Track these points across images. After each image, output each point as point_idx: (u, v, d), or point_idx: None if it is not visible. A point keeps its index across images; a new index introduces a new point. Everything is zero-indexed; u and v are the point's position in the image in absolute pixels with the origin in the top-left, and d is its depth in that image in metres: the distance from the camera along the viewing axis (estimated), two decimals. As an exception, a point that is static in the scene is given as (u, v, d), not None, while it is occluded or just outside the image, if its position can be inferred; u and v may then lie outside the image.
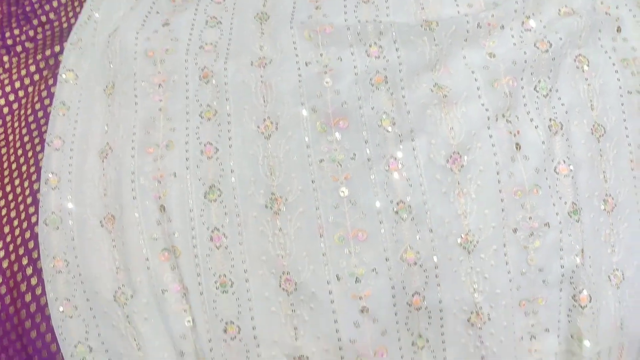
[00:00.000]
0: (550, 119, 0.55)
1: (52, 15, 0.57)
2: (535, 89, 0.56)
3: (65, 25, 0.57)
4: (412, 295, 0.50)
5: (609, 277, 0.56)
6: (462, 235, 0.51)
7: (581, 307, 0.54)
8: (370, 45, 0.55)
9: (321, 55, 0.54)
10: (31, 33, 0.56)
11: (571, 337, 0.55)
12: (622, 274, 0.56)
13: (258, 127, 0.52)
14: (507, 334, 0.53)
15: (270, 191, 0.50)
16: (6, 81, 0.54)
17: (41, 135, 0.53)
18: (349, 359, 0.49)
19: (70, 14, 0.57)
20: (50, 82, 0.54)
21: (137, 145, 0.52)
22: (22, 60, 0.55)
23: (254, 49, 0.55)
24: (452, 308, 0.51)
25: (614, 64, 0.57)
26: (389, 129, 0.52)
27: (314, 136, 0.52)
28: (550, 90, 0.56)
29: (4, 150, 0.52)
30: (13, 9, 0.56)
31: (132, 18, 0.57)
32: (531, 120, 0.54)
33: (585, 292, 0.54)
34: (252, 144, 0.52)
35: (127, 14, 0.57)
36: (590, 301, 0.54)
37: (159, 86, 0.55)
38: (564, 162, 0.55)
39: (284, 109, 0.52)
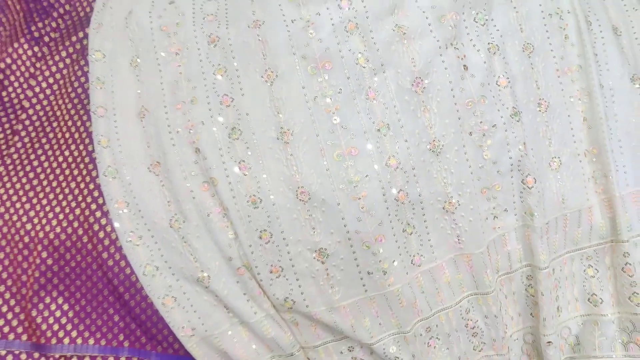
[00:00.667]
0: (488, 43, 0.68)
1: (67, 7, 0.68)
2: (474, 20, 0.68)
3: (82, 14, 0.69)
4: (398, 192, 0.64)
5: (549, 164, 0.70)
6: (430, 142, 0.65)
7: (529, 188, 0.68)
8: (341, 0, 0.66)
9: (303, 13, 0.66)
10: (53, 24, 0.68)
11: (524, 213, 0.69)
12: (560, 160, 0.70)
13: (262, 77, 0.64)
14: (475, 216, 0.67)
15: (279, 126, 0.63)
16: (44, 67, 0.66)
17: (84, 107, 0.65)
18: (356, 246, 0.63)
19: (85, 4, 0.69)
20: (82, 62, 0.66)
21: (168, 104, 0.65)
22: (53, 48, 0.67)
23: (247, 14, 0.66)
24: (430, 199, 0.66)
25: (535, -7, 0.69)
26: (364, 65, 0.65)
27: (307, 78, 0.64)
28: (487, 19, 0.68)
29: (55, 124, 0.65)
30: (31, 5, 0.67)
31: (142, 1, 0.68)
32: (474, 45, 0.67)
33: (530, 176, 0.68)
34: (259, 91, 0.64)
35: (136, -2, 0.69)
36: (535, 183, 0.68)
37: (176, 54, 0.66)
38: (503, 76, 0.67)
39: (280, 60, 0.64)
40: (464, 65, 0.66)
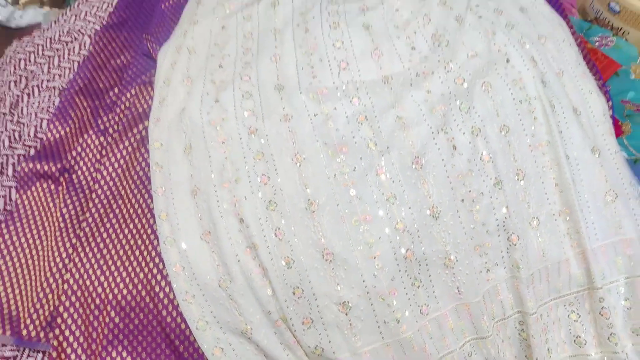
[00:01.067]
0: (472, 127, 0.81)
1: (127, 104, 0.87)
2: (459, 108, 0.83)
3: (140, 109, 0.87)
4: (406, 251, 0.77)
5: (529, 223, 0.81)
6: (430, 209, 0.78)
7: (514, 244, 0.80)
8: (352, 97, 0.83)
9: (322, 108, 0.83)
10: (117, 118, 0.86)
11: (512, 266, 0.81)
12: (538, 220, 0.82)
13: (292, 159, 0.79)
14: (470, 270, 0.79)
15: (307, 199, 0.78)
16: (110, 154, 0.83)
17: (145, 187, 0.81)
18: (374, 298, 0.76)
19: (142, 101, 0.88)
20: (142, 150, 0.83)
21: (216, 183, 0.80)
22: (117, 139, 0.85)
23: (278, 110, 0.83)
24: (432, 257, 0.78)
25: (507, 84, 0.85)
26: (373, 148, 0.80)
27: (327, 160, 0.79)
28: (469, 108, 0.83)
29: (120, 202, 0.81)
30: (96, 102, 0.86)
31: (193, 100, 0.85)
32: (460, 129, 0.81)
33: (514, 235, 0.79)
34: (290, 172, 0.79)
35: (187, 97, 0.86)
36: (519, 240, 0.80)
37: (222, 143, 0.82)
38: (485, 152, 0.80)
39: (306, 146, 0.80)
40: (453, 146, 0.81)
